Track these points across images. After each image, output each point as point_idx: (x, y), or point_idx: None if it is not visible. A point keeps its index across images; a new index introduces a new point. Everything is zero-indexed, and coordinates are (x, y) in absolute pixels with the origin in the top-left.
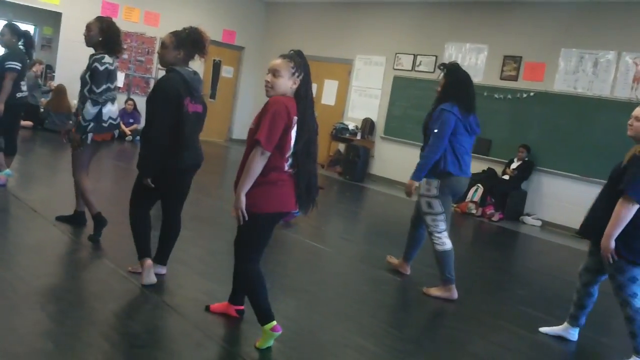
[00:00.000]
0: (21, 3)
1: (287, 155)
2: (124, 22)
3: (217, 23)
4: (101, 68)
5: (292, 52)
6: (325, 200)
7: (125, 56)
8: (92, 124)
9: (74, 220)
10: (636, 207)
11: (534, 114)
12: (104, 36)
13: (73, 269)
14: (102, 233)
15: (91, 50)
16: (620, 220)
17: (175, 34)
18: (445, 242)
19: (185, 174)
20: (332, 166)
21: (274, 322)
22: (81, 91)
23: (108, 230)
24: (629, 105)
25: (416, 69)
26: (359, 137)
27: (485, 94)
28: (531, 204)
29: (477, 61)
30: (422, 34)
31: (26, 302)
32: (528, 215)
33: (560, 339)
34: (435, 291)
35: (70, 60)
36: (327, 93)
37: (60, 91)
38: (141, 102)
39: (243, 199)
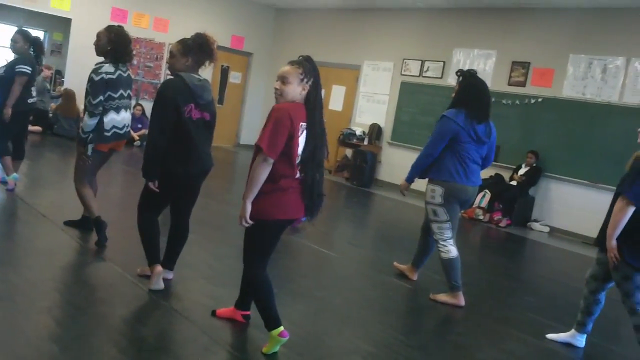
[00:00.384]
0: (32, 9)
1: (297, 162)
2: (133, 28)
3: (226, 29)
4: (96, 78)
5: (301, 57)
6: (332, 205)
7: (134, 62)
8: (91, 135)
9: (82, 225)
10: (632, 208)
11: (542, 120)
12: (113, 45)
13: (81, 273)
14: (106, 236)
15: (100, 58)
16: (618, 221)
17: (181, 41)
18: (451, 249)
19: (193, 179)
20: (340, 171)
21: (282, 328)
22: (84, 101)
23: (116, 234)
24: (638, 111)
25: (424, 74)
26: (366, 142)
27: (493, 99)
28: (539, 210)
29: (485, 67)
30: (430, 39)
31: (34, 305)
32: (536, 221)
33: (568, 345)
34: (443, 297)
35: (80, 65)
36: (334, 98)
37: (69, 96)
38: (149, 108)
39: (248, 207)
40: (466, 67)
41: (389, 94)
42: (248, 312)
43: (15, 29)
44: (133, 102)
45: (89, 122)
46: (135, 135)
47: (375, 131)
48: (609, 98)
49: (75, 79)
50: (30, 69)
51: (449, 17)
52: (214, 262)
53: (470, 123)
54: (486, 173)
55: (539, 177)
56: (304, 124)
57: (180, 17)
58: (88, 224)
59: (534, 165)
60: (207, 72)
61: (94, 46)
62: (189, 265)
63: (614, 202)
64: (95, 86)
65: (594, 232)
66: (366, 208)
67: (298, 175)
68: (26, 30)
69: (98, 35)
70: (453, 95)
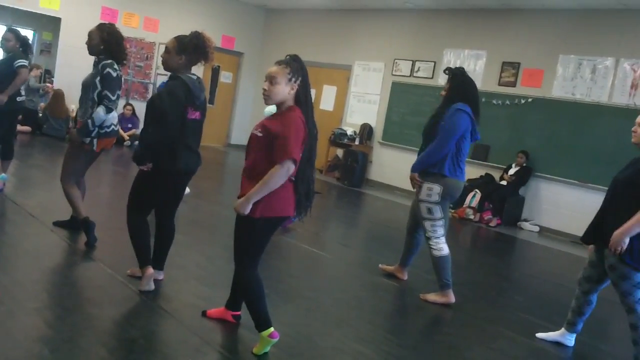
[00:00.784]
0: (21, 8)
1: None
2: (123, 28)
3: (216, 29)
4: (114, 74)
5: (288, 57)
6: (323, 205)
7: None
8: (97, 130)
9: (71, 226)
10: None
11: (532, 120)
12: (106, 44)
13: (70, 274)
14: (96, 237)
15: (91, 57)
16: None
17: (178, 39)
18: (443, 247)
19: (183, 177)
20: (331, 171)
21: (272, 329)
22: (83, 96)
23: (105, 235)
24: (627, 112)
25: (415, 75)
26: (357, 142)
27: (483, 99)
28: (529, 210)
29: (475, 67)
30: (421, 40)
31: (23, 307)
32: (526, 221)
33: (557, 344)
34: (432, 297)
35: (69, 65)
36: (325, 99)
37: (59, 96)
38: (140, 108)
39: (249, 207)
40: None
41: (380, 94)
42: (238, 313)
43: (3, 27)
44: (123, 102)
45: (103, 116)
46: (125, 135)
47: (366, 131)
48: (598, 98)
49: (65, 79)
50: (27, 63)
51: (439, 17)
52: (205, 262)
53: (473, 120)
54: (476, 173)
55: (529, 177)
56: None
57: (171, 16)
58: (77, 225)
59: (524, 165)
60: (198, 72)
61: (86, 46)
62: (180, 266)
63: (610, 203)
64: (114, 81)
65: (583, 232)
66: (357, 208)
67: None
68: (17, 30)
69: (90, 34)
70: (443, 93)
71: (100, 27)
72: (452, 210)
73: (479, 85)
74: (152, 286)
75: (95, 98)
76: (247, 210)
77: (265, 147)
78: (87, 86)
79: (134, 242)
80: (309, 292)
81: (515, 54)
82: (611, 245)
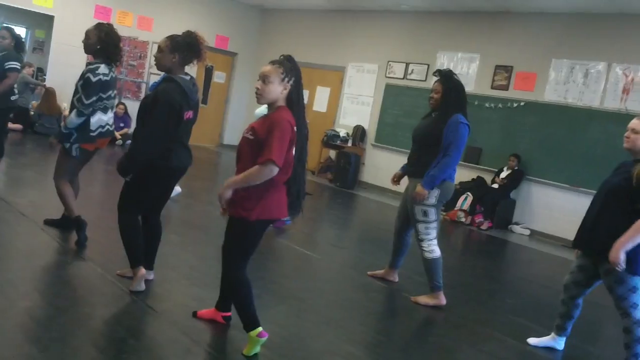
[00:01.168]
0: (14, 5)
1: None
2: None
3: (210, 28)
4: (94, 79)
5: (282, 57)
6: (315, 207)
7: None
8: (75, 134)
9: (63, 225)
10: None
11: (524, 124)
12: (102, 44)
13: (61, 273)
14: (87, 236)
15: (84, 55)
16: (636, 237)
17: (170, 37)
18: (435, 249)
19: (175, 175)
20: (323, 173)
21: (260, 328)
22: (72, 98)
23: (97, 234)
24: (619, 116)
25: (408, 77)
26: (350, 144)
27: (476, 102)
28: (520, 213)
29: (468, 70)
30: (415, 42)
31: (14, 306)
32: (517, 224)
33: (547, 347)
34: (424, 299)
35: (62, 63)
36: (319, 100)
37: (50, 94)
38: (132, 107)
39: (229, 194)
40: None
41: (373, 96)
42: (229, 314)
43: None
44: (116, 101)
45: (75, 121)
46: (117, 134)
47: (359, 133)
48: (590, 103)
49: (57, 77)
50: (19, 65)
51: (433, 20)
52: (196, 263)
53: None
54: (468, 176)
55: (520, 181)
56: (294, 127)
57: (165, 15)
58: (68, 224)
59: (516, 168)
60: (191, 71)
61: (78, 44)
62: (171, 266)
63: (597, 208)
64: (91, 87)
65: (574, 236)
66: (349, 210)
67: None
68: (12, 28)
69: (87, 33)
70: (435, 95)
71: (99, 26)
72: (444, 213)
73: (472, 88)
74: (143, 286)
75: (75, 102)
76: (228, 197)
77: (256, 151)
78: (75, 89)
79: (126, 242)
80: (300, 293)
81: (509, 57)
82: (612, 262)
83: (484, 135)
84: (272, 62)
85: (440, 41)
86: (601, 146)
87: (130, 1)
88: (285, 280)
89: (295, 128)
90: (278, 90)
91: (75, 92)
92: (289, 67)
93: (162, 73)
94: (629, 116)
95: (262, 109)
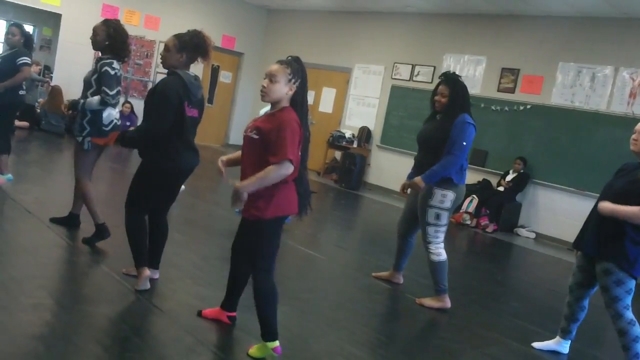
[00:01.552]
0: (22, 3)
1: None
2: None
3: (217, 28)
4: (112, 72)
5: (289, 58)
6: (320, 207)
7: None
8: (88, 129)
9: (68, 222)
10: None
11: (530, 127)
12: (111, 40)
13: (66, 271)
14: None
15: (90, 53)
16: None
17: (178, 36)
18: (442, 252)
19: (183, 175)
20: (328, 174)
21: (277, 343)
22: (84, 94)
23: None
24: (625, 120)
25: (414, 79)
26: (355, 145)
27: (482, 105)
28: (526, 216)
29: (475, 73)
30: (421, 44)
31: (18, 303)
32: (522, 227)
33: (553, 352)
34: (428, 301)
35: (69, 61)
36: (324, 101)
37: (56, 92)
38: (138, 105)
39: (246, 196)
40: (457, 72)
41: (379, 97)
42: (234, 314)
43: (3, 22)
44: (122, 100)
45: (95, 105)
46: None
47: (364, 134)
48: (597, 106)
49: (64, 75)
50: (30, 61)
51: (440, 22)
52: (200, 262)
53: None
54: (474, 178)
55: (526, 184)
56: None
57: (172, 15)
58: (74, 221)
59: (522, 171)
60: (197, 71)
61: (85, 42)
62: (175, 265)
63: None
64: (112, 79)
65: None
66: (354, 211)
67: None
68: (22, 25)
69: (95, 29)
70: (443, 99)
71: (107, 22)
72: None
73: (478, 90)
74: (147, 285)
75: (90, 96)
76: (245, 199)
77: (261, 149)
78: (86, 83)
79: (132, 242)
80: (304, 294)
81: (515, 60)
82: (600, 210)
83: (489, 138)
84: (280, 62)
85: (447, 43)
86: (607, 150)
87: (138, 0)
88: (289, 280)
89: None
90: (284, 90)
91: (89, 86)
92: (296, 68)
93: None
94: (636, 120)
95: (267, 109)
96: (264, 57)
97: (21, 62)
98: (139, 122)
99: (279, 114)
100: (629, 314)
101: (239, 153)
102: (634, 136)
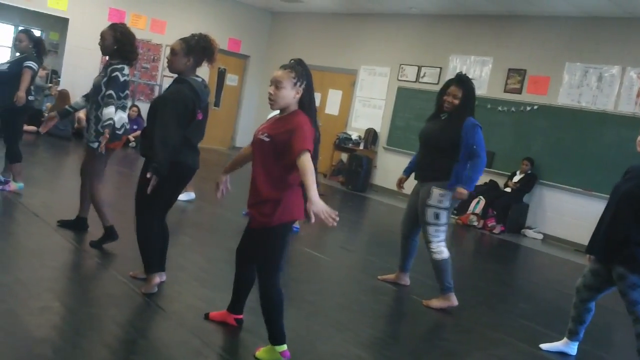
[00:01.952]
0: (29, 8)
1: None
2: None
3: (223, 32)
4: (122, 79)
5: (292, 61)
6: None
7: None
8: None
9: (76, 226)
10: None
11: (537, 127)
12: (119, 44)
13: (73, 274)
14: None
15: (97, 57)
16: None
17: (184, 40)
18: (444, 250)
19: (188, 176)
20: (335, 176)
21: (285, 346)
22: (93, 98)
23: None
24: (633, 120)
25: (420, 80)
26: (361, 147)
27: (489, 106)
28: (533, 217)
29: (481, 73)
30: (427, 45)
31: (25, 306)
32: (530, 228)
33: (560, 353)
34: (436, 302)
35: (76, 65)
36: (330, 103)
37: (64, 96)
38: (145, 109)
39: (320, 205)
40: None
41: (385, 99)
42: (241, 316)
43: (11, 27)
44: (129, 103)
45: (112, 111)
46: (130, 136)
47: (371, 136)
48: (604, 107)
49: (71, 79)
50: (36, 66)
51: (445, 23)
52: (206, 264)
53: None
54: (481, 179)
55: (533, 185)
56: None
57: (178, 18)
58: (82, 224)
59: (529, 172)
60: (203, 74)
61: (91, 47)
62: (182, 268)
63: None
64: (122, 85)
65: (587, 240)
66: (360, 213)
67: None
68: (30, 30)
69: (102, 35)
70: (455, 101)
71: (113, 27)
72: (456, 217)
73: (485, 91)
74: (155, 289)
75: (100, 101)
76: (321, 206)
77: (272, 152)
78: (96, 87)
79: (145, 248)
80: (310, 296)
81: (521, 61)
82: None
83: (496, 139)
84: (284, 67)
85: (453, 44)
86: (615, 150)
87: (144, 4)
88: (295, 282)
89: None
90: (291, 95)
91: (98, 90)
92: (300, 71)
93: (174, 76)
94: None
95: (276, 113)
96: (269, 59)
97: (26, 65)
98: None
99: (289, 117)
100: None
101: (235, 156)
102: (639, 138)
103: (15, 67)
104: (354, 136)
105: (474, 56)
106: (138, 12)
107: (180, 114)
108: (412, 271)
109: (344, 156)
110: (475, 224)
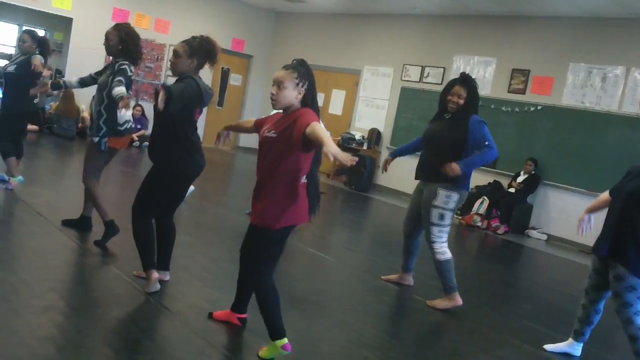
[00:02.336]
0: (33, 8)
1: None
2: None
3: (226, 31)
4: (129, 73)
5: (294, 61)
6: (329, 209)
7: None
8: (105, 129)
9: (80, 225)
10: None
11: (541, 128)
12: (124, 44)
13: (77, 273)
14: (109, 240)
15: (101, 57)
16: None
17: (187, 42)
18: (446, 251)
19: (193, 176)
20: (338, 175)
21: (285, 340)
22: (99, 95)
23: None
24: (637, 121)
25: (424, 80)
26: (365, 147)
27: (492, 106)
28: (537, 218)
29: (485, 74)
30: (430, 46)
31: (29, 305)
32: (533, 228)
33: (564, 354)
34: (440, 303)
35: (80, 65)
36: (334, 103)
37: (69, 96)
38: (149, 109)
39: (341, 154)
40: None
41: (389, 99)
42: (244, 316)
43: (15, 27)
44: (133, 103)
45: (124, 92)
46: (134, 135)
47: (374, 136)
48: (608, 107)
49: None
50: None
51: (449, 23)
52: (210, 264)
53: None
54: (484, 180)
55: (537, 185)
56: None
57: (182, 18)
58: (86, 224)
59: (533, 172)
60: (207, 74)
61: (95, 47)
62: (185, 268)
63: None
64: (129, 80)
65: (591, 241)
66: (364, 213)
67: (304, 179)
68: (34, 30)
69: (107, 35)
70: (460, 101)
71: (118, 27)
72: (460, 217)
73: (488, 91)
74: (157, 287)
75: (104, 96)
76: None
77: (279, 149)
78: (101, 85)
79: (140, 245)
80: (313, 296)
81: (525, 61)
82: None
83: (500, 139)
84: (286, 67)
85: (456, 45)
86: (619, 151)
87: (148, 4)
88: (298, 283)
89: None
90: (293, 95)
91: (103, 86)
92: (303, 71)
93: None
94: None
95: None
96: (273, 59)
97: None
98: (150, 125)
99: (293, 112)
100: (639, 320)
101: (241, 122)
102: None
103: (24, 69)
104: (358, 136)
105: (477, 56)
106: (142, 12)
107: (191, 95)
108: (415, 271)
109: None
110: (479, 224)
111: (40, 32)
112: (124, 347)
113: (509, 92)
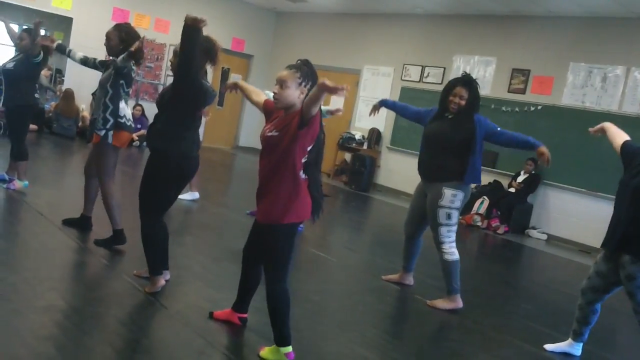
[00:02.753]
0: (33, 7)
1: (303, 160)
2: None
3: (226, 31)
4: (131, 70)
5: (299, 61)
6: (330, 209)
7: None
8: (111, 120)
9: (81, 224)
10: None
11: (541, 128)
12: (124, 44)
13: (78, 273)
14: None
15: (101, 56)
16: None
17: None
18: (455, 252)
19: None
20: (338, 175)
21: (290, 348)
22: (102, 89)
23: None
24: (637, 121)
25: (424, 80)
26: (365, 147)
27: (492, 106)
28: (537, 218)
29: (485, 74)
30: (431, 45)
31: (30, 305)
32: (534, 228)
33: (565, 354)
34: (441, 303)
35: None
36: (334, 102)
37: (69, 95)
38: (149, 108)
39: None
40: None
41: (389, 98)
42: (245, 315)
43: (15, 27)
44: (133, 103)
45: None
46: (134, 135)
47: (374, 136)
48: (609, 107)
49: (75, 79)
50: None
51: (449, 23)
52: (211, 264)
53: None
54: (485, 179)
55: (537, 185)
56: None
57: (182, 18)
58: (86, 223)
59: (533, 172)
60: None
61: (95, 46)
62: (186, 267)
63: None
64: (130, 77)
65: (591, 241)
66: (364, 212)
67: (303, 176)
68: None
69: (108, 35)
70: (462, 102)
71: (118, 27)
72: (460, 217)
73: (488, 91)
74: (159, 288)
75: (109, 87)
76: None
77: (283, 144)
78: (104, 82)
79: (152, 247)
80: (314, 296)
81: (525, 61)
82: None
83: None
84: (289, 67)
85: (456, 44)
86: None
87: (148, 3)
88: (299, 282)
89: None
90: (295, 94)
91: (106, 80)
92: (306, 71)
93: None
94: None
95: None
96: (273, 59)
97: (35, 61)
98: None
99: (294, 112)
100: None
101: (252, 88)
102: None
103: (24, 65)
104: (358, 136)
105: (477, 56)
106: (142, 12)
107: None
108: (415, 271)
109: (348, 156)
110: (479, 224)
111: (41, 32)
112: (124, 346)
113: (509, 92)
